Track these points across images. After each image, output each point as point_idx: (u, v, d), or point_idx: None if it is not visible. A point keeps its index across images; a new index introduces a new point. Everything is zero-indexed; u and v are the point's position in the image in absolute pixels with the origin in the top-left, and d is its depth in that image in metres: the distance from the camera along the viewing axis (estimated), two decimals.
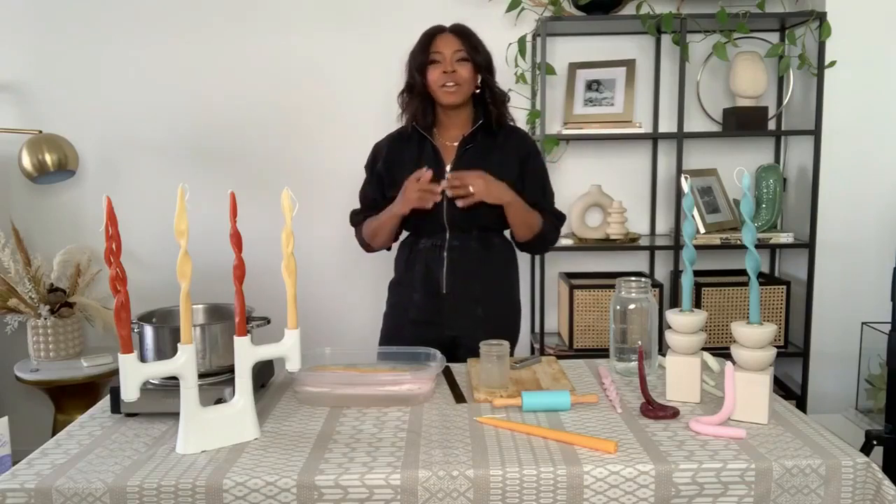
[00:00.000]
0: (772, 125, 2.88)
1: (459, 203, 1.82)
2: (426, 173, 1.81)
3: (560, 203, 2.09)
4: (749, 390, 1.34)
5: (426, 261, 1.95)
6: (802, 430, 1.32)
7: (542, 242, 2.00)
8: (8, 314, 2.66)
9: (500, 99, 1.96)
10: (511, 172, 1.91)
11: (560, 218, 2.03)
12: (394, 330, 2.03)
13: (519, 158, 1.94)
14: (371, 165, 2.03)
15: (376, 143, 2.04)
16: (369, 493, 1.16)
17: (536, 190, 1.97)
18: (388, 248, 2.08)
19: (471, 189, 1.80)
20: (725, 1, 2.69)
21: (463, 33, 1.91)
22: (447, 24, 1.94)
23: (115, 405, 1.45)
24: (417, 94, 1.92)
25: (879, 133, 2.70)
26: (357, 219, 2.06)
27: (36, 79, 2.85)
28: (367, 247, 2.05)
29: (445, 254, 1.93)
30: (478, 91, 1.94)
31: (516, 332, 2.05)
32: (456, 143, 1.94)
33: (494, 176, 1.85)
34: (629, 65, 2.83)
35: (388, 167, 1.96)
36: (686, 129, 2.74)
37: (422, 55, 1.89)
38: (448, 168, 1.92)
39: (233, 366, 1.34)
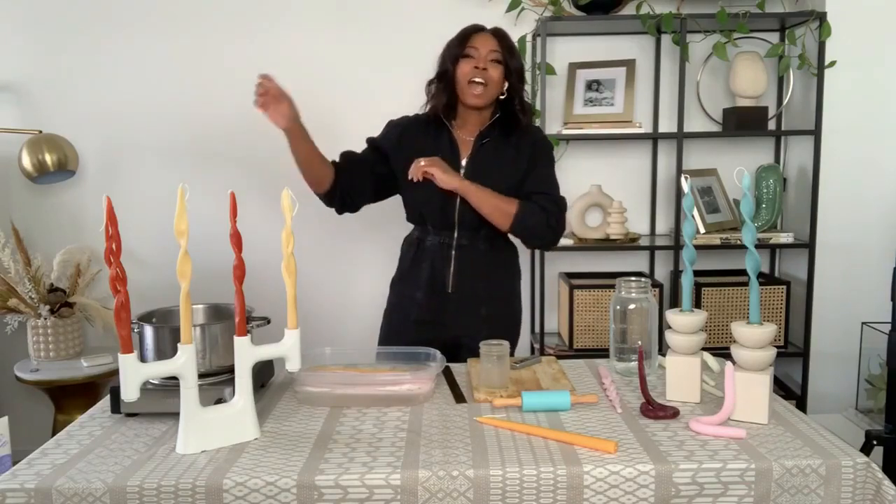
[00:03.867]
0: (772, 125, 2.88)
1: (414, 177, 1.81)
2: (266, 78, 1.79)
3: None
4: (749, 390, 1.34)
5: (433, 259, 1.95)
6: (802, 430, 1.32)
7: (528, 228, 1.86)
8: (8, 314, 2.66)
9: (527, 109, 1.97)
10: (522, 169, 1.91)
11: (556, 202, 1.90)
12: (395, 330, 2.03)
13: (528, 156, 1.94)
14: (382, 138, 2.01)
15: (393, 120, 2.02)
16: (369, 493, 1.16)
17: (536, 183, 1.94)
18: (351, 209, 2.03)
19: (424, 169, 1.80)
20: (725, 1, 2.69)
21: (502, 36, 1.92)
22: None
23: (115, 405, 1.45)
24: (444, 85, 1.92)
25: (879, 133, 2.70)
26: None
27: (36, 79, 2.85)
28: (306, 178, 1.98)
29: (453, 252, 1.93)
30: (502, 97, 1.93)
31: (517, 333, 2.05)
32: (472, 139, 1.95)
33: (506, 172, 1.90)
34: (629, 65, 2.83)
35: (399, 144, 1.95)
36: (686, 129, 2.74)
37: (457, 48, 1.89)
38: (463, 162, 1.93)
39: (233, 366, 1.34)
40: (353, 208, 2.03)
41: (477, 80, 1.86)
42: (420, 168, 1.81)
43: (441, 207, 1.91)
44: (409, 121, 2.01)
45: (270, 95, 1.78)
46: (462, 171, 1.91)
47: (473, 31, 1.92)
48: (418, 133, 1.97)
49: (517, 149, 1.93)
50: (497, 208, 1.85)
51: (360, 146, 2.04)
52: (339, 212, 2.03)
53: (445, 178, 1.81)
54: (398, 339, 1.96)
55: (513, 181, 1.91)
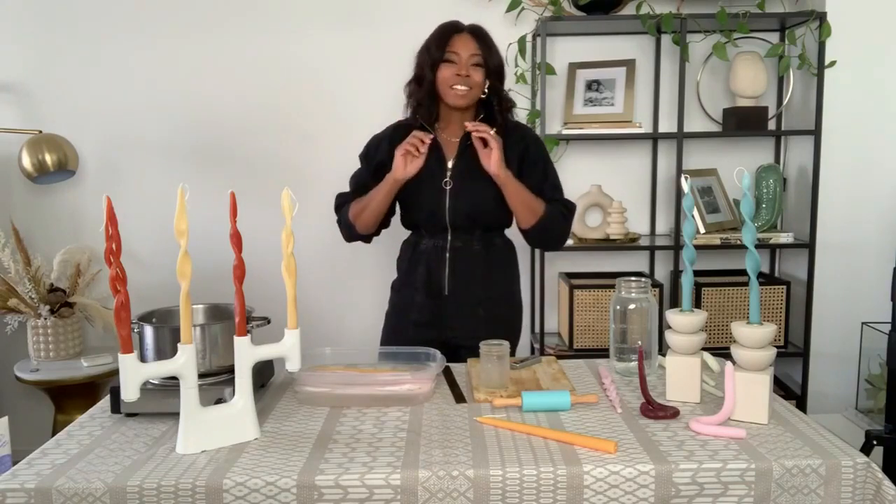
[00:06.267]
0: (772, 125, 2.88)
1: (478, 136, 1.81)
2: (425, 136, 1.81)
3: None
4: (749, 390, 1.34)
5: (428, 262, 1.95)
6: (802, 430, 1.32)
7: (549, 231, 1.92)
8: (8, 314, 2.66)
9: (508, 106, 1.95)
10: (512, 170, 1.90)
11: (569, 207, 1.98)
12: (396, 331, 2.03)
13: (518, 154, 1.92)
14: (368, 154, 2.00)
15: (375, 135, 2.02)
16: (369, 493, 1.16)
17: (537, 177, 1.93)
18: (368, 241, 2.04)
19: (489, 136, 1.80)
20: (725, 1, 2.69)
21: (480, 35, 1.89)
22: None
23: (115, 405, 1.45)
24: (425, 90, 1.90)
25: (879, 133, 2.70)
26: (342, 199, 2.01)
27: (36, 79, 2.85)
28: (350, 229, 1.98)
29: (447, 255, 1.93)
30: (484, 95, 1.91)
31: (518, 333, 2.05)
32: (457, 140, 1.94)
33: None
34: (629, 65, 2.83)
35: (391, 157, 1.91)
36: (686, 129, 2.74)
37: (437, 52, 1.87)
38: (450, 164, 1.92)
39: (233, 366, 1.34)
40: (377, 234, 2.04)
41: (459, 87, 1.85)
42: (483, 133, 1.79)
43: (431, 212, 1.91)
44: (392, 129, 1.99)
45: (419, 153, 1.82)
46: (448, 174, 1.90)
47: (452, 31, 1.88)
48: (403, 138, 1.91)
49: (504, 149, 1.89)
50: (526, 205, 1.88)
51: (359, 145, 2.04)
52: (359, 241, 2.04)
53: (497, 162, 1.80)
54: (399, 340, 1.96)
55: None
